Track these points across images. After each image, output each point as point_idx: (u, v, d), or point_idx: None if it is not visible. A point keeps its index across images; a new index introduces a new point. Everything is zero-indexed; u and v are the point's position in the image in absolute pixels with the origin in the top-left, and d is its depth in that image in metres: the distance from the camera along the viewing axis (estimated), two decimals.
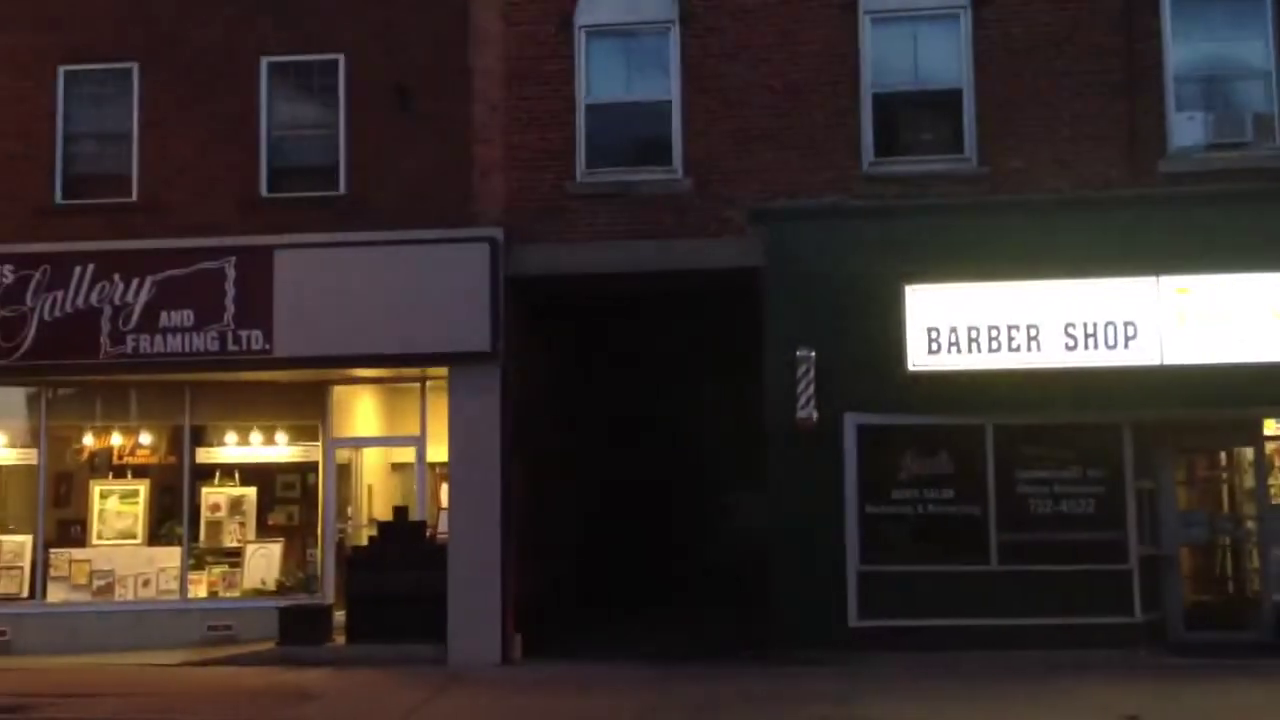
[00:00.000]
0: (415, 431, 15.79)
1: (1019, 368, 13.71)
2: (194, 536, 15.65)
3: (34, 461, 15.65)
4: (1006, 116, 14.25)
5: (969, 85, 14.33)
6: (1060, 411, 13.75)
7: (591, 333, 18.57)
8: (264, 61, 15.25)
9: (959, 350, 13.80)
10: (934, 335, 13.84)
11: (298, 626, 14.47)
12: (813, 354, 13.67)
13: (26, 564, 15.37)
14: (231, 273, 14.86)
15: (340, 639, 14.61)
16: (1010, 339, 13.75)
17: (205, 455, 15.92)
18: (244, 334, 14.82)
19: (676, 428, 22.84)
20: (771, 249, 14.21)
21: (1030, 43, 14.32)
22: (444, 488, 15.68)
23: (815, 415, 13.64)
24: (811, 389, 13.64)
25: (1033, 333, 13.73)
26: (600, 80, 14.92)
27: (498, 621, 14.28)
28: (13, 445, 15.80)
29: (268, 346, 14.77)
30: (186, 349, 14.85)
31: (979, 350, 13.78)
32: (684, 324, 18.33)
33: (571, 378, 18.43)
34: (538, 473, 15.57)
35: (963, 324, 13.82)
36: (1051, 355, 13.68)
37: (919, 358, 13.82)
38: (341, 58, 15.13)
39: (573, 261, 14.69)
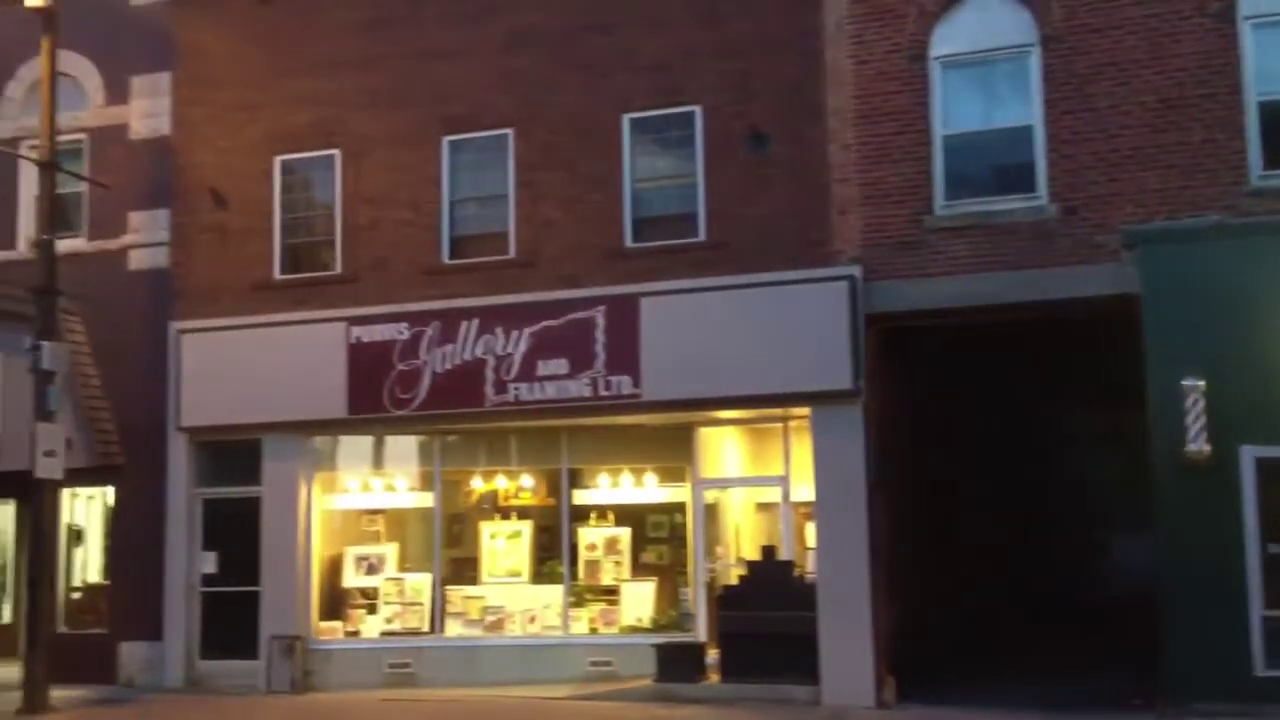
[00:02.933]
0: (779, 471, 15.91)
1: None
2: (573, 575, 16.36)
3: (430, 505, 16.83)
4: None
5: None
6: None
7: (951, 367, 18.16)
8: (625, 118, 15.91)
9: None
10: None
11: (673, 663, 14.84)
12: (1202, 383, 12.80)
13: (427, 601, 16.51)
14: (601, 321, 15.53)
15: (714, 677, 14.87)
16: None
17: (581, 497, 16.62)
18: (614, 379, 15.44)
19: (1042, 463, 21.96)
20: (1149, 273, 13.42)
21: None
22: (809, 527, 15.70)
23: (1207, 449, 12.76)
24: (1202, 420, 12.77)
25: None
26: (956, 110, 14.65)
27: (869, 663, 14.14)
28: (411, 489, 17.06)
29: (636, 391, 15.32)
30: (562, 396, 15.63)
31: None
32: (1049, 355, 17.64)
33: (931, 413, 18.06)
34: (901, 511, 15.34)
35: None
36: None
37: None
38: (698, 109, 15.57)
39: (933, 296, 14.45)
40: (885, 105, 14.77)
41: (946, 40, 14.66)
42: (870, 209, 14.76)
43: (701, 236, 15.50)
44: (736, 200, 15.32)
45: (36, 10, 15.82)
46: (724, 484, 16.58)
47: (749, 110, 15.30)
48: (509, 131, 16.32)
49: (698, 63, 15.63)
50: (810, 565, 15.28)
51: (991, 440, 20.35)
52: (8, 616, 20.09)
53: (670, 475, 16.52)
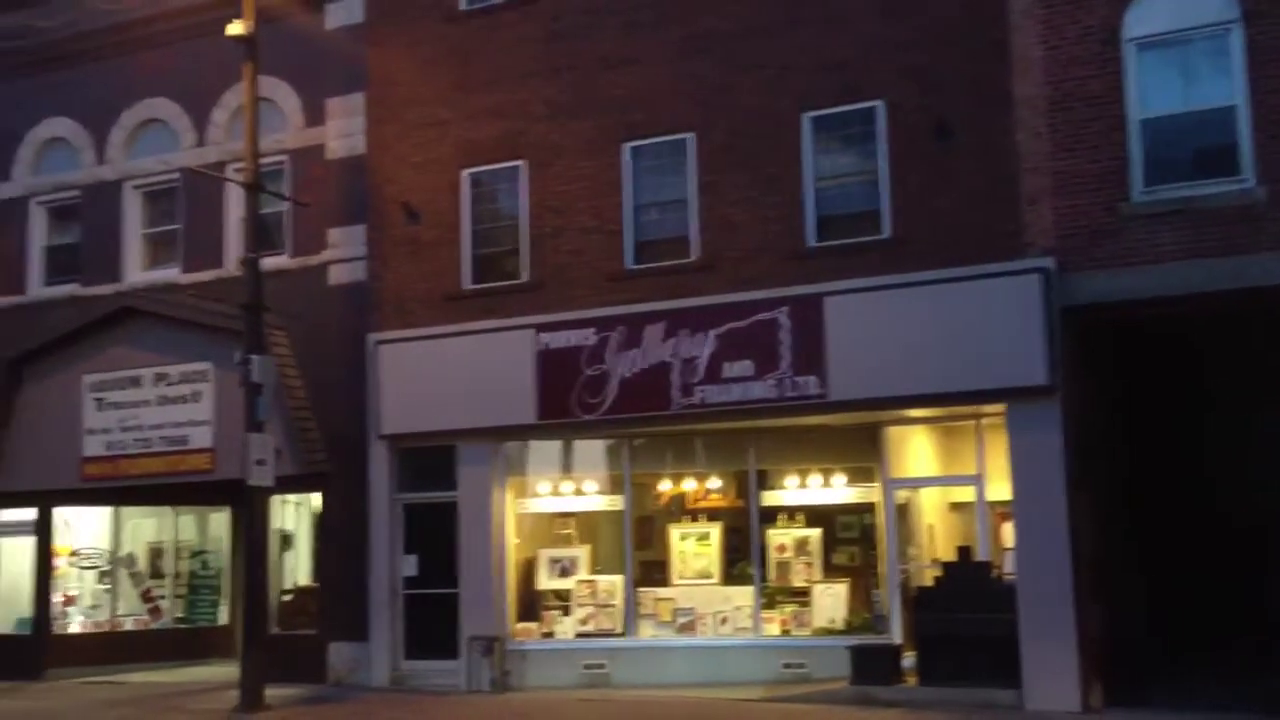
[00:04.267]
0: (972, 470, 15.58)
1: None
2: (763, 576, 16.33)
3: (620, 507, 17.02)
4: None
5: None
6: None
7: (1148, 360, 17.48)
8: (804, 117, 15.81)
9: None
10: None
11: (868, 666, 14.67)
12: None
13: (619, 602, 16.72)
14: (785, 322, 15.47)
15: (910, 680, 14.64)
16: None
17: (769, 498, 16.58)
18: (800, 380, 15.35)
19: (1240, 462, 20.91)
20: None
21: None
22: (1005, 526, 15.32)
23: None
24: None
25: None
26: (1153, 93, 14.08)
27: (1073, 666, 13.71)
28: (601, 493, 17.29)
29: (822, 391, 15.21)
30: (747, 397, 15.62)
31: None
32: (1250, 348, 16.82)
33: (1129, 409, 17.42)
34: (1101, 508, 14.83)
35: None
36: None
37: None
38: (880, 104, 15.38)
39: (1132, 286, 13.93)
40: (1077, 91, 14.30)
41: (1140, 21, 14.11)
42: (1063, 198, 14.32)
43: (886, 233, 15.29)
44: (922, 195, 15.06)
45: (238, 39, 16.59)
46: (915, 484, 16.31)
47: (933, 103, 15.02)
48: (689, 135, 16.40)
49: (878, 58, 15.43)
50: (1007, 566, 14.92)
51: (1188, 438, 19.51)
52: (224, 618, 21.17)
53: (859, 475, 16.34)
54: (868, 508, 16.27)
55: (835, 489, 16.51)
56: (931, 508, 16.76)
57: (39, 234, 21.07)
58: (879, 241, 15.30)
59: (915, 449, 16.39)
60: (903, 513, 16.16)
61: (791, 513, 16.58)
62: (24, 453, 20.05)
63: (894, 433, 15.99)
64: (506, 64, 17.45)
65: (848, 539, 16.60)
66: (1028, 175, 14.48)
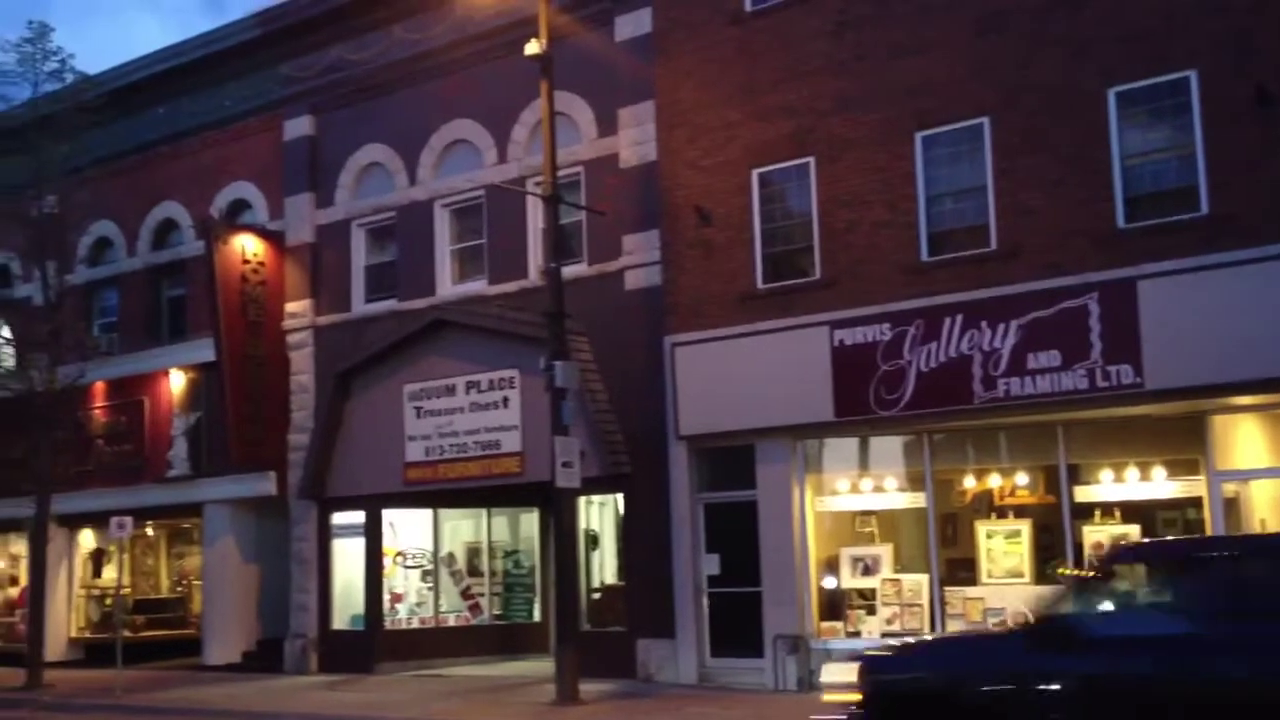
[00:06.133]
0: None
1: None
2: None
3: (922, 504, 16.67)
4: None
5: None
6: None
7: None
8: (1109, 92, 15.07)
9: None
10: None
11: None
12: None
13: (925, 602, 16.37)
14: (1094, 308, 14.78)
15: None
16: None
17: (1082, 494, 15.84)
18: (1112, 369, 14.64)
19: None
20: None
21: None
22: None
23: None
24: None
25: None
26: None
27: None
28: (901, 490, 16.98)
29: (1138, 380, 14.45)
30: (1055, 389, 15.01)
31: None
32: None
33: None
34: None
35: None
36: None
37: None
38: (1192, 74, 14.48)
39: None
40: None
41: None
42: None
43: (1204, 210, 14.38)
44: (1243, 168, 14.09)
45: (534, 59, 17.25)
46: (1245, 476, 15.19)
47: (1251, 70, 14.02)
48: (984, 120, 15.91)
49: (1186, 25, 14.56)
50: None
51: None
52: (538, 615, 22.04)
53: (1181, 468, 15.38)
54: (1192, 502, 15.28)
55: (1155, 483, 15.58)
56: (1265, 501, 15.56)
57: (360, 254, 22.54)
58: (1196, 219, 14.41)
59: (1244, 439, 15.30)
60: (1231, 507, 15.09)
61: (1107, 508, 15.78)
62: (353, 459, 21.50)
63: (1220, 422, 14.98)
64: (793, 61, 17.41)
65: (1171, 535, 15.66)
66: None
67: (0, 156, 22.96)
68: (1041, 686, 8.95)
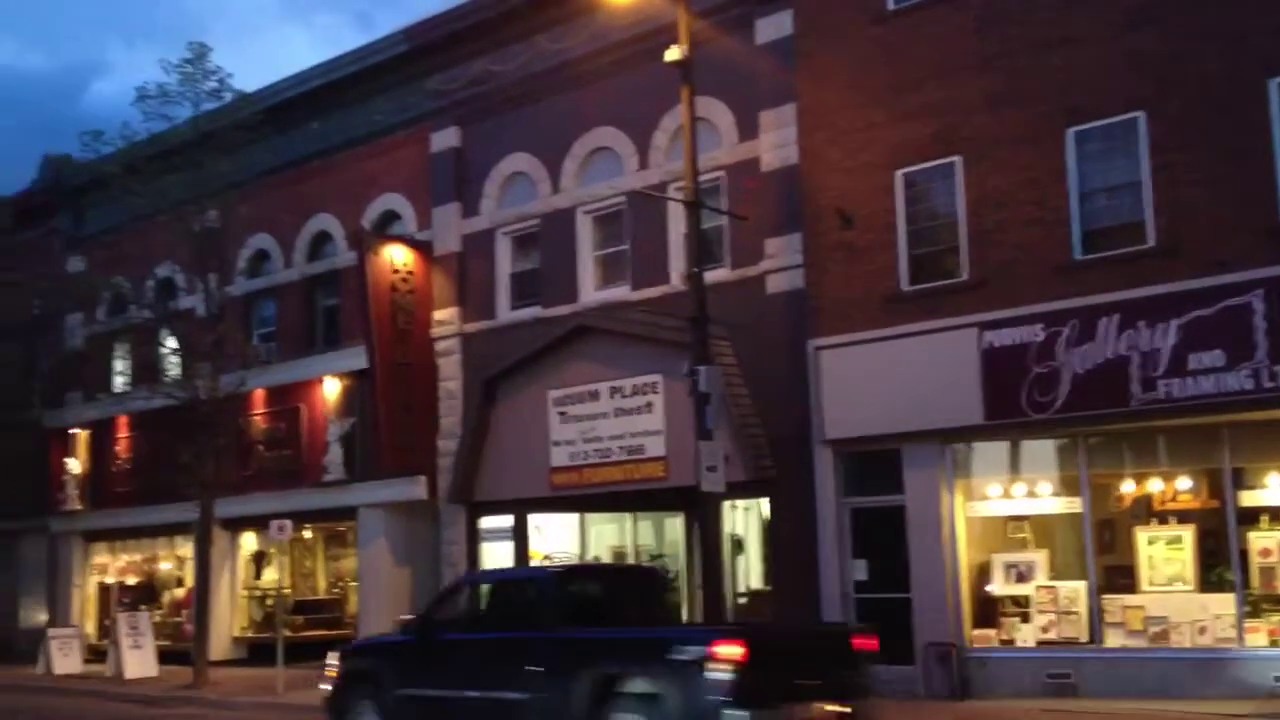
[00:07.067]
0: None
1: None
2: (1245, 582, 15.04)
3: (1078, 509, 16.23)
4: None
5: None
6: None
7: None
8: (1271, 83, 14.51)
9: None
10: None
11: None
12: None
13: (1083, 609, 15.93)
14: (1260, 306, 14.28)
15: None
16: None
17: (1248, 498, 15.24)
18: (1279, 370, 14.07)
19: None
20: None
21: None
22: None
23: None
24: None
25: None
26: None
27: None
28: (1056, 494, 16.55)
29: None
30: (1218, 390, 14.53)
31: None
32: None
33: None
34: None
35: None
36: None
37: None
38: None
39: None
40: None
41: None
42: None
43: None
44: None
45: (674, 64, 17.30)
46: None
47: None
48: (1139, 114, 15.45)
49: None
50: None
51: None
52: (683, 620, 22.02)
53: None
54: None
55: None
56: None
57: (505, 262, 22.91)
58: None
59: None
60: None
61: (1276, 513, 15.16)
62: (500, 464, 21.86)
63: None
64: (937, 58, 17.14)
65: None
66: None
67: (165, 174, 23.92)
68: (404, 661, 13.85)
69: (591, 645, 12.13)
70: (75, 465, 30.59)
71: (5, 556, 32.88)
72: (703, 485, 16.53)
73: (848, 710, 11.64)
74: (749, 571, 20.33)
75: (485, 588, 15.27)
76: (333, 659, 14.71)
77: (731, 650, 10.79)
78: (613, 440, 20.23)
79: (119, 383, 30.23)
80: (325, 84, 25.36)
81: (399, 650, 14.00)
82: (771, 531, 19.10)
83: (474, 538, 22.45)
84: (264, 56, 73.68)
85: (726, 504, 18.85)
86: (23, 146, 41.82)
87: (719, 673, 10.74)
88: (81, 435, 30.69)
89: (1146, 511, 16.11)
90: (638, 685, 11.32)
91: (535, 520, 21.91)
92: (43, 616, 30.93)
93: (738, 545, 20.20)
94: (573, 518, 22.01)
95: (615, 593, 13.91)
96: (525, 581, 14.71)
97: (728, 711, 10.68)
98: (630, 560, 22.29)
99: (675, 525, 22.51)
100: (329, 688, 14.58)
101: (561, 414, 20.99)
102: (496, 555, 22.20)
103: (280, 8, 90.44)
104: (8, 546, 32.88)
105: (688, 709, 10.88)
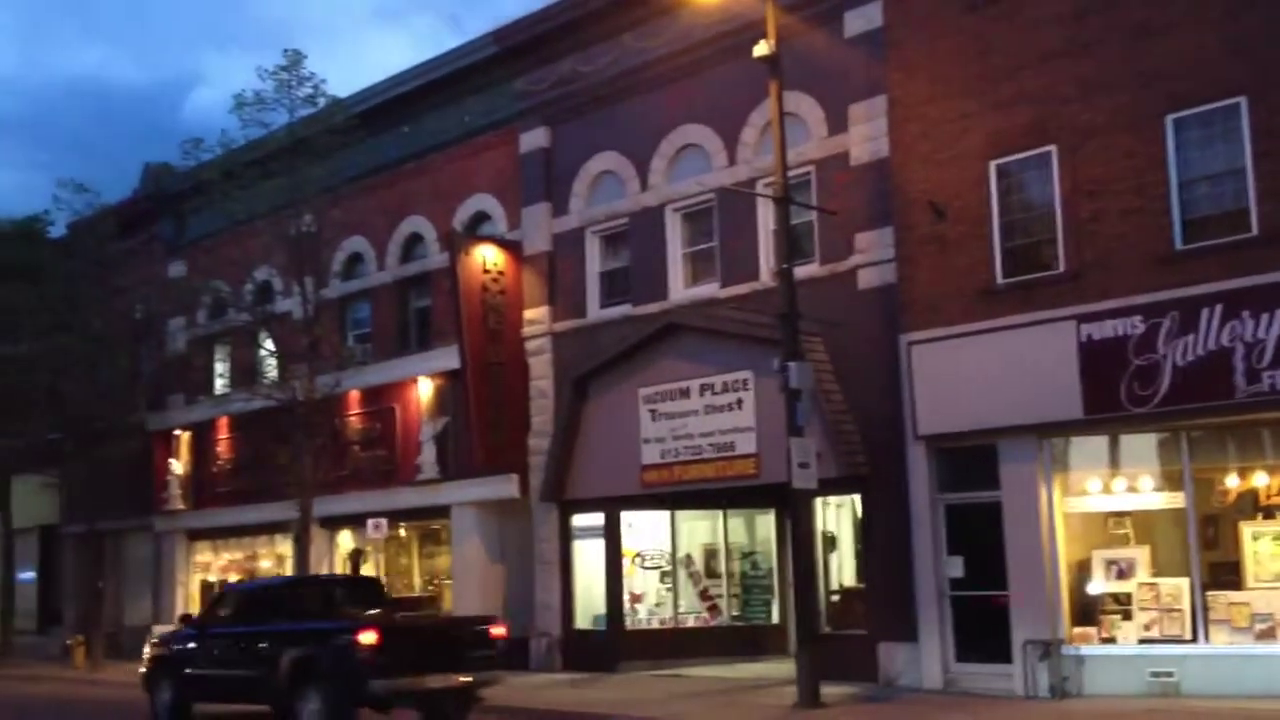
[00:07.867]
0: None
1: None
2: None
3: (1181, 505, 15.86)
4: None
5: None
6: None
7: None
8: None
9: None
10: None
11: None
12: None
13: (1186, 607, 15.56)
14: None
15: None
16: None
17: None
18: None
19: None
20: None
21: None
22: None
23: None
24: None
25: None
26: None
27: None
28: (1158, 489, 16.19)
29: None
30: None
31: None
32: None
33: None
34: None
35: None
36: None
37: None
38: None
39: None
40: None
41: None
42: None
43: None
44: None
45: (762, 60, 17.23)
46: None
47: None
48: (1241, 100, 15.06)
49: None
50: None
51: None
52: (776, 617, 22.00)
53: None
54: None
55: None
56: None
57: (594, 261, 23.01)
58: None
59: None
60: None
61: None
62: (591, 462, 21.96)
63: None
64: (1031, 46, 16.86)
65: None
66: None
67: (262, 179, 24.43)
68: (188, 648, 17.79)
69: (291, 635, 15.92)
70: (178, 466, 31.40)
71: (112, 556, 33.81)
72: (794, 482, 16.46)
73: (470, 679, 15.43)
74: (841, 568, 20.19)
75: (241, 594, 19.09)
76: (147, 648, 18.99)
77: (368, 636, 14.66)
78: (703, 437, 20.23)
79: (219, 385, 30.93)
80: (416, 88, 25.69)
81: (186, 640, 17.91)
82: (864, 528, 18.95)
83: (566, 535, 22.59)
84: (350, 61, 74.76)
85: (818, 501, 18.81)
86: (125, 157, 43.00)
87: (363, 652, 14.60)
88: (184, 436, 31.49)
89: (1252, 506, 15.70)
90: (320, 664, 15.17)
91: (627, 518, 21.98)
92: (147, 613, 31.75)
93: (830, 542, 20.07)
94: (664, 515, 22.06)
95: (331, 596, 17.97)
96: (262, 589, 19.58)
97: (372, 681, 14.65)
98: (721, 557, 22.33)
99: (767, 522, 22.50)
100: (143, 670, 18.65)
101: (652, 411, 21.03)
102: (588, 553, 22.32)
103: (365, 11, 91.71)
104: (114, 546, 33.81)
105: (346, 677, 14.87)
